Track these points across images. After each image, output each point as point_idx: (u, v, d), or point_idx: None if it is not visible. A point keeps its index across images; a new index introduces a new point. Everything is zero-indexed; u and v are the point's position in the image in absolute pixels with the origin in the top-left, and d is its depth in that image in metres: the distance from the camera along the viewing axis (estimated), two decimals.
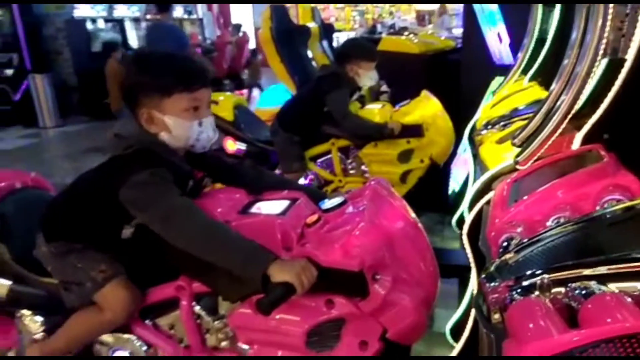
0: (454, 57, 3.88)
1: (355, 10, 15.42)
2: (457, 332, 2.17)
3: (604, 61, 1.54)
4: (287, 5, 5.08)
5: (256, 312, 1.15)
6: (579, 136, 1.65)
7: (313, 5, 5.38)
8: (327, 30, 5.68)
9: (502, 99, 2.90)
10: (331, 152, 2.86)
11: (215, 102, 2.83)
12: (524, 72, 3.02)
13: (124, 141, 1.30)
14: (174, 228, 1.18)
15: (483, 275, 1.19)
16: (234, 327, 1.20)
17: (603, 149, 1.51)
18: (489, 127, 2.60)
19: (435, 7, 15.47)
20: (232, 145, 2.84)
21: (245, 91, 10.00)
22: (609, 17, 1.50)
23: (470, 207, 1.97)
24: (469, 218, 1.88)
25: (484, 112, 2.92)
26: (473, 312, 1.94)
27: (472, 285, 2.00)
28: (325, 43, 5.45)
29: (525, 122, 2.28)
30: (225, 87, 9.35)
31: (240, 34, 10.04)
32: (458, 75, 3.46)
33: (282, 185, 1.50)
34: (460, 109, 3.30)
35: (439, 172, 2.84)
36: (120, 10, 8.92)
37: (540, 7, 2.86)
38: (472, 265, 1.86)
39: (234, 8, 14.20)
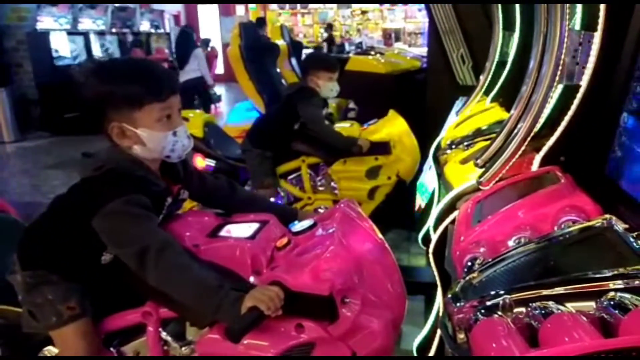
0: (419, 76, 3.99)
1: (323, 27, 15.62)
2: (423, 349, 2.20)
3: (560, 87, 1.62)
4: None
5: (225, 338, 1.15)
6: (537, 158, 1.73)
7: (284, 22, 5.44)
8: (295, 47, 5.75)
9: (466, 119, 2.99)
10: (301, 169, 2.89)
11: (185, 119, 2.80)
12: (486, 93, 3.13)
13: (93, 160, 1.26)
14: (149, 267, 1.14)
15: (449, 296, 1.22)
16: (202, 353, 1.19)
17: (560, 171, 1.58)
18: (453, 146, 2.67)
19: (401, 25, 15.90)
20: (202, 162, 2.83)
21: (212, 106, 9.99)
22: (564, 45, 1.58)
23: (436, 226, 2.01)
24: (434, 237, 1.92)
25: (448, 132, 3.00)
26: (439, 330, 1.97)
27: (438, 304, 2.04)
28: (293, 61, 5.51)
29: (487, 142, 2.37)
30: (194, 102, 9.27)
31: (209, 49, 10.02)
32: (424, 94, 3.55)
33: (255, 203, 1.50)
34: (425, 127, 3.38)
35: (405, 189, 2.90)
36: (86, 24, 8.76)
37: (501, 31, 2.98)
38: (438, 284, 1.90)
39: (202, 23, 14.18)
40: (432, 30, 3.44)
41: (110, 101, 1.23)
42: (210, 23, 14.22)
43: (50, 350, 1.35)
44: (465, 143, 2.53)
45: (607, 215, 1.21)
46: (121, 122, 1.24)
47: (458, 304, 1.16)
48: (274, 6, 16.34)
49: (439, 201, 3.11)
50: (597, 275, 1.04)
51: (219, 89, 10.46)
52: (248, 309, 1.06)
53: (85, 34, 8.65)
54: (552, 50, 1.61)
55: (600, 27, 1.53)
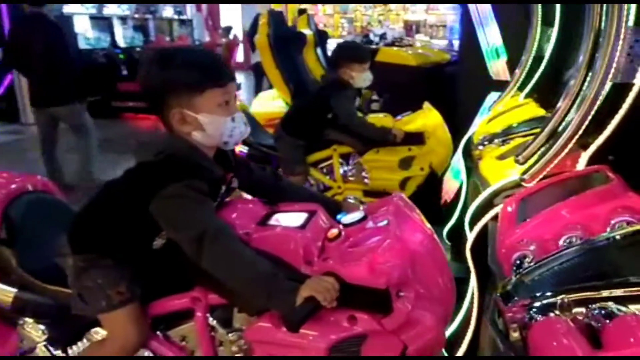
0: (450, 69, 3.95)
1: (344, 18, 15.47)
2: (452, 345, 2.19)
3: (612, 84, 1.58)
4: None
5: (277, 326, 1.15)
6: (584, 156, 1.69)
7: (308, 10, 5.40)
8: (321, 37, 5.71)
9: (499, 115, 2.94)
10: (332, 158, 2.88)
11: None
12: (520, 88, 3.08)
13: (152, 147, 1.27)
14: (205, 252, 1.14)
15: (499, 294, 1.21)
16: (252, 340, 1.19)
17: (610, 171, 1.55)
18: (486, 142, 2.63)
19: (423, 17, 15.67)
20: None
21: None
22: (620, 41, 1.54)
23: (473, 223, 1.99)
24: (472, 233, 1.90)
25: (480, 127, 2.96)
26: (471, 325, 1.96)
27: (470, 299, 2.02)
28: (319, 50, 5.47)
29: (525, 139, 2.33)
30: None
31: (231, 37, 10.01)
32: (454, 88, 3.51)
33: (299, 193, 1.50)
34: (456, 121, 3.34)
35: (436, 182, 2.88)
36: (110, 9, 8.80)
37: (539, 25, 2.92)
38: (474, 280, 1.88)
39: (223, 10, 14.15)
40: (466, 23, 3.39)
41: (172, 88, 1.24)
42: (231, 10, 14.18)
43: (97, 331, 1.37)
44: (501, 139, 2.49)
45: None
46: (182, 108, 1.24)
47: (510, 302, 1.16)
48: None
49: (467, 196, 3.10)
50: None
51: (239, 77, 10.45)
52: (305, 298, 1.06)
53: (108, 19, 8.70)
54: (606, 47, 1.57)
55: None
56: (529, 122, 2.61)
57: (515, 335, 1.12)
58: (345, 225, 1.27)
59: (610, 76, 1.57)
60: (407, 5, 15.82)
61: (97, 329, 1.37)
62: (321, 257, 1.20)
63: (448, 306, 1.21)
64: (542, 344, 0.98)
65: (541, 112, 2.80)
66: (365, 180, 2.86)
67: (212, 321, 1.29)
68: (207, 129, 1.25)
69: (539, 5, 2.88)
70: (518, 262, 1.35)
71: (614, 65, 1.56)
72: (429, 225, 1.30)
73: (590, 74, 1.80)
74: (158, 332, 1.35)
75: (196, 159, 1.25)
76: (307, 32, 5.20)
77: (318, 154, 2.88)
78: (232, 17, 13.73)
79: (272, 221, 1.30)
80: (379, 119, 2.89)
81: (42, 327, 1.43)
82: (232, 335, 1.27)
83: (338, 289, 1.08)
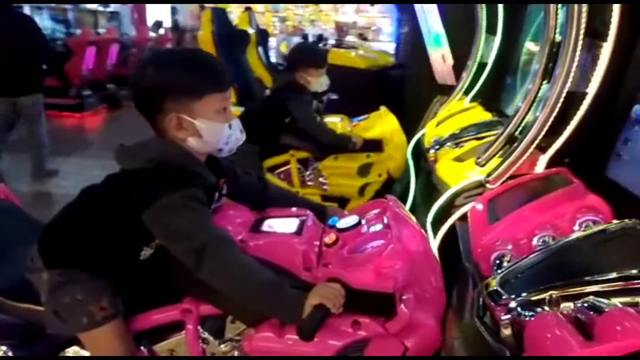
0: (395, 73, 4.06)
1: (276, 16, 15.44)
2: None
3: (567, 92, 1.71)
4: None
5: (279, 336, 1.13)
6: (543, 159, 1.82)
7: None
8: (262, 36, 5.66)
9: (447, 118, 3.08)
10: (289, 164, 2.86)
11: None
12: (465, 92, 3.24)
13: (144, 153, 1.19)
14: (206, 263, 1.09)
15: (486, 292, 1.27)
16: (252, 350, 1.16)
17: (569, 173, 1.67)
18: (438, 145, 2.74)
19: (354, 19, 15.97)
20: None
21: None
22: (577, 53, 1.67)
23: (437, 223, 2.07)
24: (440, 233, 1.97)
25: (429, 130, 3.08)
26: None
27: None
28: (260, 49, 5.42)
29: (479, 142, 2.46)
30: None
31: (162, 32, 9.64)
32: (401, 91, 3.62)
33: (287, 199, 1.47)
34: (403, 124, 3.44)
35: (392, 186, 2.95)
36: None
37: (483, 33, 3.08)
38: None
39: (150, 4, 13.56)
40: (414, 29, 3.50)
41: (170, 91, 1.17)
42: (160, 5, 13.63)
43: (75, 351, 1.27)
44: (454, 142, 2.61)
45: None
46: (179, 113, 1.18)
47: (499, 300, 1.22)
48: None
49: (415, 195, 3.21)
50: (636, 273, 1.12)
51: None
52: (314, 306, 1.05)
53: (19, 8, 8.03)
54: (564, 58, 1.69)
55: (611, 37, 1.62)
56: (478, 126, 2.75)
57: (506, 332, 1.18)
58: (340, 230, 1.27)
59: (567, 85, 1.70)
60: (338, 6, 16.08)
61: (74, 347, 1.27)
62: (320, 263, 1.19)
63: (441, 306, 1.25)
64: (539, 338, 1.04)
65: (487, 115, 2.97)
66: (324, 187, 2.87)
67: (203, 333, 1.24)
68: (204, 135, 1.20)
69: (484, 15, 3.04)
70: (498, 261, 1.43)
71: (571, 74, 1.69)
72: (420, 227, 1.34)
73: (544, 82, 1.95)
74: (142, 347, 1.27)
75: (192, 166, 1.20)
76: (250, 30, 5.14)
77: (275, 159, 2.85)
78: (161, 11, 13.21)
79: (265, 227, 1.28)
80: (337, 123, 2.90)
81: (4, 348, 1.30)
82: (224, 346, 1.23)
83: (344, 295, 1.08)
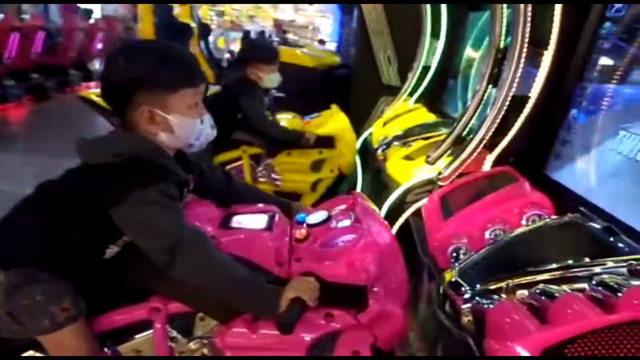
0: (341, 72, 4.13)
1: (213, 10, 15.12)
2: None
3: (512, 96, 1.83)
4: None
5: (252, 331, 1.14)
6: (489, 158, 1.93)
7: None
8: (204, 29, 5.56)
9: (392, 118, 3.18)
10: (241, 159, 2.84)
11: None
12: (410, 94, 3.36)
13: (111, 147, 1.15)
14: (180, 261, 1.07)
15: (447, 282, 1.35)
16: (225, 346, 1.15)
17: (514, 171, 1.79)
18: (386, 144, 2.83)
19: (292, 17, 16.00)
20: None
21: (92, 83, 9.14)
22: (522, 59, 1.79)
23: (391, 218, 2.14)
24: (394, 228, 2.04)
25: (376, 129, 3.17)
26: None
27: None
28: (202, 43, 5.32)
29: (426, 142, 2.57)
30: (71, 77, 8.43)
31: (92, 21, 9.15)
32: (347, 90, 3.69)
33: (252, 195, 1.47)
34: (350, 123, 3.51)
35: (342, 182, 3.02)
36: None
37: (428, 37, 3.21)
38: None
39: None
40: (361, 30, 3.58)
41: (143, 84, 1.13)
42: None
43: (32, 355, 1.20)
44: (401, 141, 2.70)
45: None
46: (152, 107, 1.15)
47: (462, 290, 1.29)
48: None
49: (362, 192, 3.28)
50: (582, 262, 1.24)
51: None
52: (291, 300, 1.07)
53: None
54: (510, 63, 1.81)
55: (551, 46, 1.76)
56: (423, 126, 2.87)
57: (467, 319, 1.26)
58: (310, 226, 1.29)
59: (513, 89, 1.82)
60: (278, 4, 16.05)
61: (31, 352, 1.20)
62: (293, 258, 1.21)
63: (405, 296, 1.31)
64: (500, 323, 1.12)
65: (431, 116, 3.10)
66: (277, 182, 2.88)
67: (172, 332, 1.22)
68: (177, 130, 1.18)
69: (429, 19, 3.16)
70: (454, 254, 1.51)
71: (516, 80, 1.81)
72: (385, 222, 1.38)
73: (490, 85, 2.07)
74: (105, 349, 1.23)
75: (162, 161, 1.16)
76: (192, 24, 5.03)
77: (226, 154, 2.82)
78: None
79: (234, 224, 1.27)
80: (288, 120, 2.92)
81: None
82: (193, 344, 1.22)
83: (318, 288, 1.11)
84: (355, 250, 1.14)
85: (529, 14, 1.77)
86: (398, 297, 1.25)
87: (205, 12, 15.53)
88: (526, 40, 1.77)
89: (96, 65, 9.35)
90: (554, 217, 1.50)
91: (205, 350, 1.22)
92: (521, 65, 1.79)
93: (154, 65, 1.14)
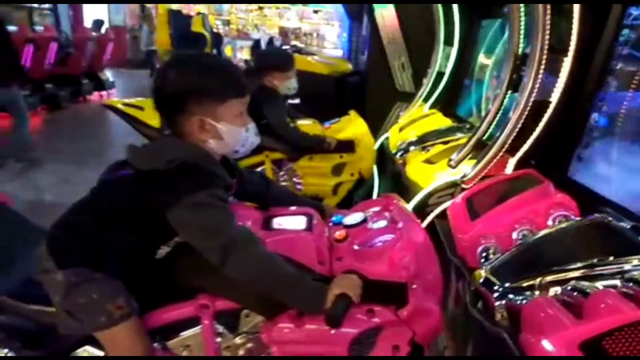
0: (354, 79, 4.20)
1: (219, 19, 15.28)
2: None
3: (533, 101, 1.89)
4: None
5: (298, 326, 1.19)
6: (512, 162, 1.99)
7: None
8: (216, 39, 5.65)
9: (409, 123, 3.24)
10: (264, 164, 2.91)
11: (141, 108, 2.68)
12: (425, 100, 3.42)
13: (164, 153, 1.21)
14: (234, 259, 1.13)
15: (480, 281, 1.39)
16: (271, 341, 1.20)
17: (537, 173, 1.84)
18: (403, 149, 2.89)
19: (297, 25, 16.14)
20: None
21: (104, 92, 9.28)
22: (542, 66, 1.85)
23: None
24: None
25: (393, 135, 3.23)
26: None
27: None
28: (215, 52, 5.41)
29: (445, 146, 2.62)
30: (84, 87, 8.55)
31: (103, 31, 9.28)
32: (362, 97, 3.76)
33: (289, 198, 1.53)
34: None
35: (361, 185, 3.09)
36: None
37: (441, 44, 3.28)
38: None
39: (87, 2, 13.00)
40: (375, 38, 3.65)
41: (195, 94, 1.20)
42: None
43: (88, 350, 1.26)
44: (420, 146, 2.76)
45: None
46: (203, 116, 1.22)
47: (494, 287, 1.34)
48: None
49: (379, 194, 3.35)
50: (611, 260, 1.28)
51: (110, 76, 9.75)
52: (337, 296, 1.12)
53: None
54: (531, 69, 1.87)
55: (570, 53, 1.81)
56: (440, 131, 2.93)
57: (501, 316, 1.31)
58: (346, 227, 1.35)
59: (534, 95, 1.88)
60: (283, 12, 16.20)
61: (87, 347, 1.26)
62: (334, 257, 1.26)
63: (440, 292, 1.36)
64: (536, 318, 1.17)
65: (447, 121, 3.16)
66: (299, 186, 2.94)
67: (218, 327, 1.27)
68: (225, 137, 1.25)
69: (442, 27, 3.23)
70: (484, 254, 1.56)
71: (537, 85, 1.87)
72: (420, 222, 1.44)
73: (509, 91, 2.13)
74: (155, 344, 1.28)
75: (212, 166, 1.23)
76: (205, 33, 5.12)
77: (249, 159, 2.87)
78: (98, 10, 12.70)
79: (275, 225, 1.33)
80: (308, 126, 2.99)
81: (5, 350, 1.27)
82: (239, 338, 1.27)
83: (362, 285, 1.16)
84: (395, 249, 1.19)
85: (548, 21, 1.83)
86: (434, 294, 1.30)
87: (211, 21, 15.72)
88: (546, 47, 1.83)
89: (107, 74, 9.50)
90: (582, 217, 1.55)
91: (249, 345, 1.28)
92: (541, 71, 1.85)
93: (205, 77, 1.22)
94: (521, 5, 2.04)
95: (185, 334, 1.28)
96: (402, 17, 3.48)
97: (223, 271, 1.14)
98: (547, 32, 1.84)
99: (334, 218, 1.41)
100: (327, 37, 15.89)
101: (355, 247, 1.27)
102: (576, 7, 1.76)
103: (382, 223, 1.34)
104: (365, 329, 1.20)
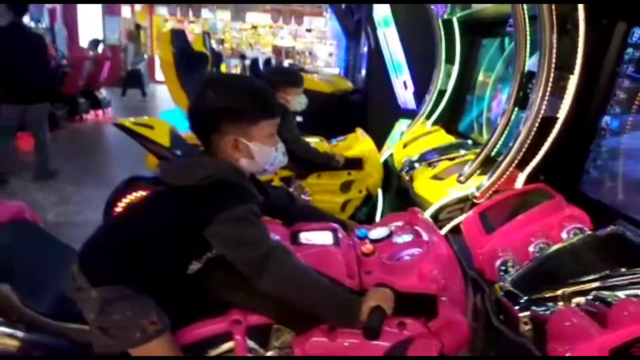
0: (355, 97, 4.28)
1: (213, 38, 15.44)
2: None
3: (543, 118, 1.95)
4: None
5: (332, 339, 1.21)
6: (521, 177, 2.04)
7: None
8: (217, 57, 5.71)
9: (412, 140, 3.30)
10: (272, 181, 2.93)
11: (150, 127, 2.70)
12: (427, 117, 3.48)
13: (199, 170, 1.24)
14: (272, 272, 1.16)
15: (501, 294, 1.43)
16: (304, 355, 1.23)
17: (548, 188, 1.89)
18: (408, 166, 2.93)
19: (291, 44, 16.38)
20: None
21: (100, 111, 9.29)
22: (550, 83, 1.91)
23: None
24: None
25: (397, 151, 3.29)
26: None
27: None
28: (215, 70, 5.47)
29: (452, 162, 2.67)
30: (81, 106, 8.56)
31: (100, 51, 9.34)
32: (364, 114, 3.82)
33: (313, 214, 1.56)
34: None
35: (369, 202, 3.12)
36: None
37: (443, 63, 3.36)
38: None
39: (82, 21, 13.08)
40: (376, 56, 3.73)
41: (231, 115, 1.25)
42: (92, 22, 13.18)
43: None
44: (426, 162, 2.81)
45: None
46: (237, 135, 1.26)
47: (517, 299, 1.38)
48: (161, 11, 15.78)
49: (383, 211, 3.39)
50: (631, 270, 1.32)
51: (107, 94, 9.78)
52: (372, 308, 1.15)
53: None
54: (538, 87, 1.93)
55: (577, 70, 1.88)
56: (444, 147, 2.99)
57: (526, 327, 1.34)
58: (372, 241, 1.38)
59: (542, 111, 1.94)
60: (276, 31, 16.44)
61: None
62: (363, 271, 1.29)
63: (465, 305, 1.39)
64: (562, 328, 1.20)
65: (450, 138, 3.22)
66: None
67: (250, 342, 1.29)
68: (256, 156, 1.29)
69: (444, 46, 3.31)
70: (503, 267, 1.59)
71: (545, 102, 1.93)
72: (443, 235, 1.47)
73: (516, 108, 2.20)
74: None
75: (245, 183, 1.27)
76: (205, 52, 5.18)
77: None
78: (93, 30, 12.78)
79: (303, 240, 1.36)
80: (316, 143, 3.03)
81: None
82: (271, 353, 1.29)
83: (393, 298, 1.19)
84: (425, 262, 1.22)
85: (555, 40, 1.90)
86: (460, 306, 1.33)
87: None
88: (553, 65, 1.89)
89: (103, 93, 9.53)
90: (591, 230, 1.60)
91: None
92: (549, 89, 1.91)
93: (240, 99, 1.26)
94: (527, 24, 2.12)
95: (218, 350, 1.29)
96: (403, 35, 3.56)
97: (260, 285, 1.16)
98: (554, 50, 1.90)
99: (358, 232, 1.44)
100: (319, 56, 16.21)
101: (385, 260, 1.30)
102: (581, 26, 1.84)
103: (407, 237, 1.37)
104: (397, 341, 1.22)
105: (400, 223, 1.47)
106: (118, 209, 2.83)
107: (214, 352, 1.29)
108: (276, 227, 1.42)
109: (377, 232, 1.40)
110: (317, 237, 1.36)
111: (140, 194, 2.28)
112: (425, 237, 1.34)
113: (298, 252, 1.29)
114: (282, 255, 1.19)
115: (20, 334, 1.23)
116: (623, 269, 1.33)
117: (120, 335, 1.19)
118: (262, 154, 1.30)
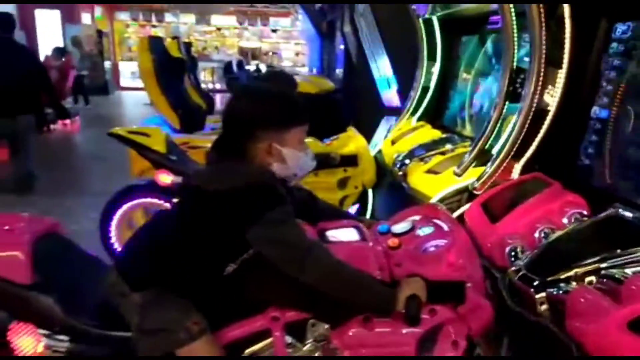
0: (336, 96, 4.33)
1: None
2: None
3: (535, 110, 2.05)
4: None
5: (369, 330, 1.27)
6: (517, 167, 2.14)
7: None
8: (192, 62, 5.67)
9: (400, 136, 3.39)
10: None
11: (147, 135, 2.70)
12: (412, 113, 3.58)
13: (234, 175, 1.28)
14: (314, 268, 1.21)
15: (516, 277, 1.51)
16: (343, 346, 1.28)
17: (545, 176, 2.00)
18: (399, 162, 3.01)
19: (257, 45, 16.31)
20: (166, 179, 2.69)
21: (68, 121, 9.05)
22: (541, 78, 2.02)
23: None
24: None
25: (386, 147, 3.37)
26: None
27: None
28: (192, 76, 5.44)
29: (444, 157, 2.77)
30: (48, 116, 8.32)
31: (64, 59, 9.10)
32: (348, 113, 3.87)
33: (334, 213, 1.61)
34: None
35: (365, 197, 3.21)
36: None
37: (425, 60, 3.46)
38: None
39: (40, 29, 12.67)
40: (360, 56, 3.80)
41: (265, 121, 1.29)
42: (50, 30, 12.78)
43: None
44: (419, 157, 2.89)
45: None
46: (271, 141, 1.30)
47: (532, 281, 1.46)
48: (122, 17, 15.46)
49: (373, 206, 3.46)
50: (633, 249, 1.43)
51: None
52: (408, 297, 1.21)
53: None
54: (530, 81, 2.04)
55: (565, 65, 2.00)
56: (433, 142, 3.08)
57: (543, 307, 1.43)
58: (395, 235, 1.44)
59: (534, 104, 2.04)
60: (241, 32, 16.34)
61: None
62: (392, 264, 1.35)
63: (484, 289, 1.46)
64: (580, 306, 1.29)
65: (437, 133, 3.32)
66: None
67: (287, 338, 1.33)
68: (289, 161, 1.33)
69: (425, 44, 3.42)
70: (513, 253, 1.68)
71: (537, 95, 2.04)
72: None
73: (507, 102, 2.31)
74: None
75: (279, 187, 1.31)
76: (182, 57, 5.14)
77: None
78: (52, 37, 12.40)
79: (330, 238, 1.41)
80: (309, 143, 3.07)
81: None
82: (308, 347, 1.33)
83: (425, 286, 1.26)
84: (452, 252, 1.30)
85: (544, 36, 2.01)
86: (482, 291, 1.41)
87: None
88: (543, 60, 2.01)
89: (69, 102, 9.29)
90: (589, 214, 1.71)
91: (317, 353, 1.34)
92: (540, 83, 2.02)
93: (273, 107, 1.31)
94: (514, 21, 2.23)
95: (256, 347, 1.33)
96: (385, 34, 3.65)
97: (303, 279, 1.21)
98: (544, 46, 2.01)
99: (379, 228, 1.51)
100: (285, 56, 16.23)
101: (411, 252, 1.36)
102: (567, 23, 1.95)
103: (428, 229, 1.44)
104: (430, 327, 1.28)
105: (417, 217, 1.53)
106: (116, 217, 2.83)
107: (251, 350, 1.33)
108: (303, 226, 1.46)
109: (400, 227, 1.46)
110: (343, 234, 1.42)
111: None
112: (446, 228, 1.41)
113: (331, 249, 1.34)
114: (322, 251, 1.24)
115: (64, 345, 1.24)
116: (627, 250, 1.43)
117: (165, 337, 1.22)
118: (294, 158, 1.34)
